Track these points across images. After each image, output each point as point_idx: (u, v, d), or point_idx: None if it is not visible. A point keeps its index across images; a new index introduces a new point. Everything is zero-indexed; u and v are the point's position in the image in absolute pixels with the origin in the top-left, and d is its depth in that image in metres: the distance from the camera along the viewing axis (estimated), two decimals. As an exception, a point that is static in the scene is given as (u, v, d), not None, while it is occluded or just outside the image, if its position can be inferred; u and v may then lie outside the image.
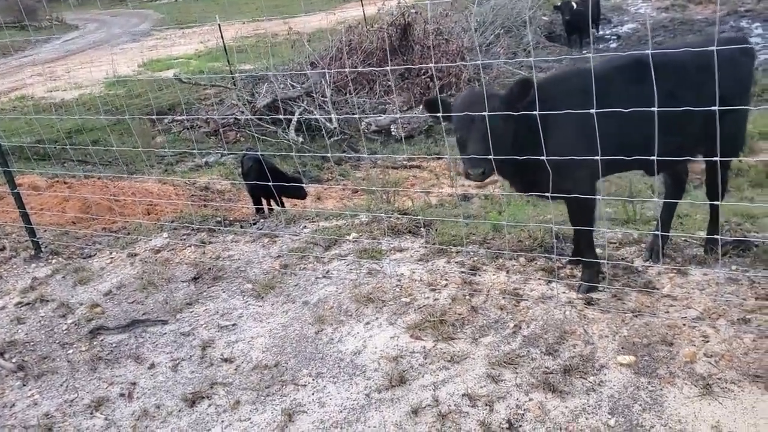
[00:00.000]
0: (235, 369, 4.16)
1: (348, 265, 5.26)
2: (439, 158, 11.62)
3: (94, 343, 4.68)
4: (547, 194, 4.07)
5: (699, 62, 3.79)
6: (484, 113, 3.87)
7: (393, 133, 13.63)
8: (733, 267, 4.51)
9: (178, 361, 4.33)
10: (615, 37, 18.27)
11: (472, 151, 3.97)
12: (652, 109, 3.43)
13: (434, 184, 11.40)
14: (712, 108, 3.36)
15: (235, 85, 16.10)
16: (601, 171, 3.98)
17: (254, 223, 6.50)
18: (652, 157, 3.61)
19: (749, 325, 3.86)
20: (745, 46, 4.23)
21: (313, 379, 3.96)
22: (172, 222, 6.72)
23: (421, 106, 4.38)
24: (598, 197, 4.47)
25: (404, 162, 12.23)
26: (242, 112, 14.24)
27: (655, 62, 3.53)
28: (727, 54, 3.85)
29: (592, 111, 3.61)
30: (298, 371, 4.06)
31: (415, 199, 8.61)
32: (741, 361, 3.57)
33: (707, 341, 3.79)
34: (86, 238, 6.67)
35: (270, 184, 6.23)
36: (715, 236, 4.69)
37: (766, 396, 3.31)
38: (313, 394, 3.84)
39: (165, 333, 4.67)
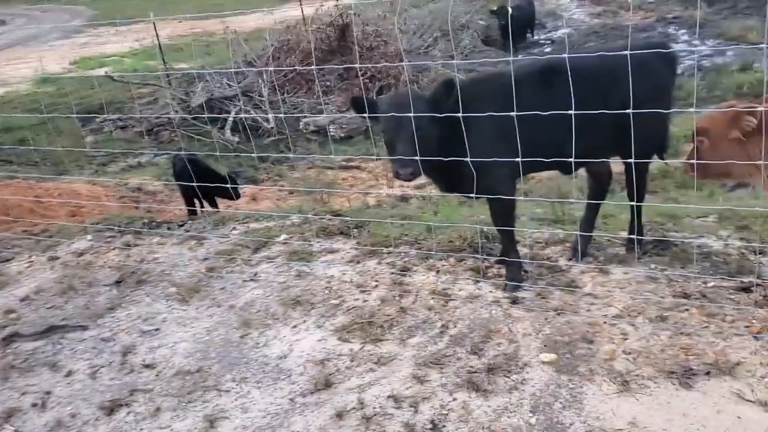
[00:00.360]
0: (157, 375, 4.05)
1: (277, 267, 5.20)
2: (377, 159, 11.62)
3: (8, 351, 4.49)
4: (469, 194, 4.12)
5: (616, 66, 3.87)
6: (414, 114, 3.90)
7: (331, 134, 13.58)
8: (653, 266, 4.64)
9: (96, 368, 4.19)
10: (549, 42, 18.67)
11: (401, 151, 3.98)
12: (570, 112, 3.50)
13: (373, 185, 11.42)
14: (626, 111, 3.46)
15: (169, 83, 15.78)
16: (520, 171, 4.05)
17: (181, 225, 6.35)
18: (568, 159, 3.69)
19: (666, 322, 3.97)
20: (665, 50, 4.35)
21: (237, 384, 3.89)
22: (97, 224, 6.51)
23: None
24: (519, 198, 4.54)
25: (342, 163, 12.21)
26: (176, 112, 13.95)
27: (570, 66, 3.61)
28: (645, 58, 3.96)
29: (513, 114, 3.67)
30: (222, 376, 3.98)
31: (353, 200, 8.60)
32: (657, 357, 3.67)
33: (626, 338, 3.88)
34: (4, 242, 6.40)
35: (202, 185, 6.12)
36: (638, 236, 4.83)
37: (680, 392, 3.40)
38: (236, 399, 3.77)
39: (84, 339, 4.51)
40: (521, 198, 4.51)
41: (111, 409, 3.79)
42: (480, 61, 15.73)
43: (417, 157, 3.94)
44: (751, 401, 3.25)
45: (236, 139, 13.17)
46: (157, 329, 4.53)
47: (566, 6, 22.45)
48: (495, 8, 17.87)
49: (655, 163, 7.97)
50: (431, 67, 15.11)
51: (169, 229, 6.30)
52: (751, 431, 3.08)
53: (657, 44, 4.47)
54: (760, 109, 3.62)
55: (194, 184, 6.27)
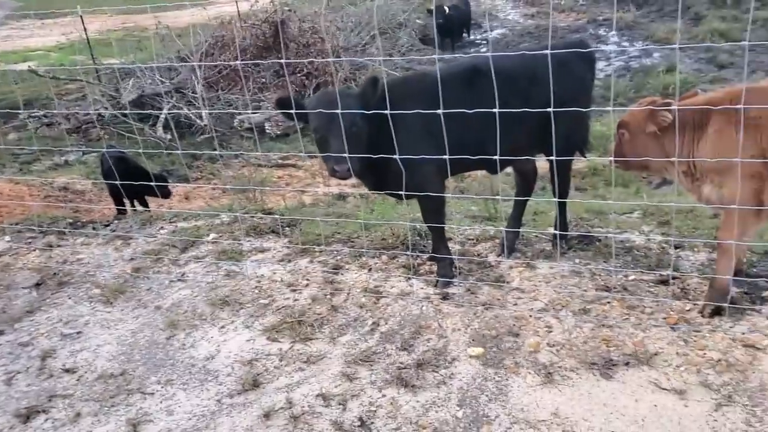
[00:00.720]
0: (78, 380, 3.92)
1: (205, 267, 5.11)
2: (313, 157, 11.55)
3: None
4: (398, 192, 4.14)
5: (537, 66, 3.95)
6: (350, 110, 3.89)
7: (267, 131, 13.44)
8: (577, 260, 4.76)
9: (13, 374, 4.02)
10: (485, 42, 18.94)
11: (335, 149, 3.96)
12: (494, 110, 3.55)
13: (309, 183, 11.35)
14: (547, 110, 3.53)
15: (99, 79, 15.31)
16: (448, 170, 4.08)
17: (107, 225, 6.18)
18: (492, 157, 3.75)
19: (589, 315, 4.08)
20: (583, 50, 4.46)
21: (162, 387, 3.81)
22: (17, 224, 6.26)
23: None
24: (448, 195, 4.59)
25: (278, 160, 12.09)
26: (106, 108, 13.55)
27: (493, 66, 3.68)
28: (565, 58, 4.05)
29: (438, 112, 3.70)
30: (147, 379, 3.88)
31: (289, 199, 8.52)
32: (580, 349, 3.77)
33: (551, 331, 3.97)
34: None
35: (131, 184, 5.95)
36: (563, 232, 4.96)
37: (601, 382, 3.50)
38: (161, 402, 3.68)
39: (0, 344, 4.34)
40: (449, 195, 4.54)
41: (27, 416, 3.65)
42: (417, 59, 15.85)
43: (352, 155, 3.94)
44: (667, 390, 3.37)
45: (168, 136, 12.87)
46: (79, 332, 4.39)
47: (501, 7, 22.82)
48: (432, 7, 18.01)
49: (586, 161, 8.22)
50: (368, 64, 15.13)
51: (94, 229, 6.12)
52: (666, 418, 3.19)
53: (576, 44, 4.57)
54: (674, 107, 3.75)
55: (122, 182, 6.10)
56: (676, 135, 3.67)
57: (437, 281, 4.62)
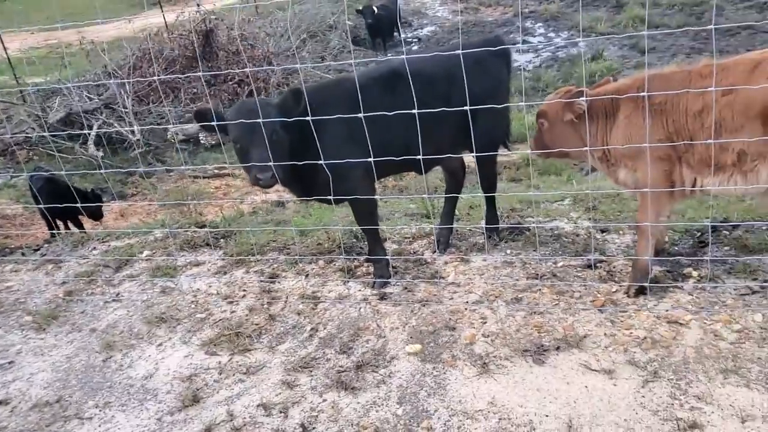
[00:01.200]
0: (11, 411, 3.83)
1: (140, 285, 5.05)
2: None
3: None
4: (327, 198, 4.17)
5: (455, 66, 4.03)
6: (269, 120, 3.89)
7: (202, 142, 13.28)
8: (509, 251, 4.88)
9: (-60, 412, 3.91)
10: (416, 40, 19.08)
11: (257, 158, 3.94)
12: (412, 111, 3.62)
13: (247, 192, 11.26)
14: (465, 108, 3.62)
15: (23, 100, 14.85)
16: (375, 173, 4.13)
17: (37, 249, 6.02)
18: (416, 158, 3.82)
19: (521, 303, 4.19)
20: (498, 47, 4.58)
21: (100, 410, 3.75)
22: (-60, 255, 6.06)
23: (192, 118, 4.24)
24: (387, 196, 4.63)
25: (215, 171, 11.96)
26: (33, 129, 13.15)
27: (410, 69, 3.74)
28: (481, 56, 4.14)
29: (359, 116, 3.75)
30: (84, 404, 3.82)
31: (226, 209, 8.44)
32: (513, 337, 3.87)
33: (485, 322, 4.06)
34: None
35: (62, 205, 5.81)
36: (493, 225, 5.07)
37: (534, 368, 3.60)
38: (99, 426, 3.63)
39: (-73, 382, 4.20)
40: (385, 196, 4.59)
41: (-42, 454, 3.56)
42: (349, 62, 15.84)
43: (275, 163, 3.94)
44: (596, 371, 3.49)
45: (101, 153, 12.57)
46: (11, 362, 4.28)
47: (430, 4, 23.03)
48: (360, 8, 18.04)
49: (519, 153, 8.39)
50: (301, 69, 15.07)
51: (23, 254, 5.96)
52: (596, 399, 3.31)
53: (491, 41, 4.67)
54: (582, 100, 3.90)
55: (51, 205, 5.96)
56: (586, 123, 3.81)
57: (374, 282, 4.67)
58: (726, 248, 4.43)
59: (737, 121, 3.56)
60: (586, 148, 3.86)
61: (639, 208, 4.03)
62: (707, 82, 3.51)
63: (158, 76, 13.52)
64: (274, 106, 4.06)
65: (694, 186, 3.85)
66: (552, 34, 17.12)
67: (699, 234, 4.67)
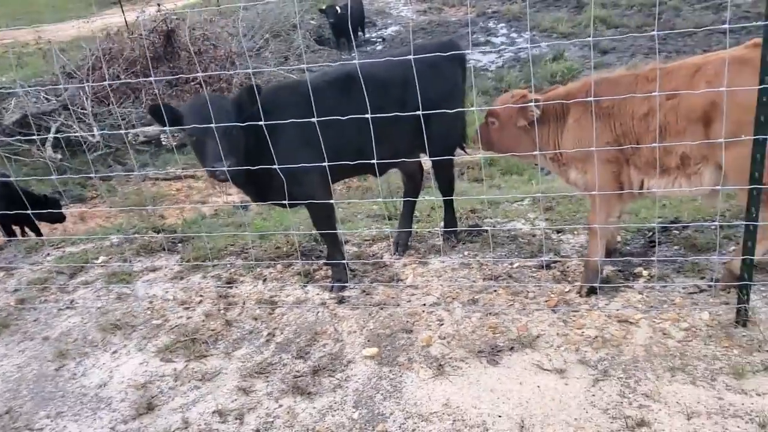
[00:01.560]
0: (-41, 424, 3.76)
1: (95, 291, 4.98)
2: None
3: None
4: (281, 202, 4.16)
5: (407, 69, 4.05)
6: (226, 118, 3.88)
7: (164, 143, 13.12)
8: (466, 253, 4.92)
9: None
10: (380, 39, 19.09)
11: (212, 149, 3.88)
12: (366, 115, 3.63)
13: (210, 194, 11.16)
14: (417, 113, 3.64)
15: (-23, 101, 14.51)
16: (330, 177, 4.13)
17: (-12, 258, 5.91)
18: (370, 162, 3.83)
19: (477, 304, 4.23)
20: (454, 52, 4.61)
21: (52, 421, 3.69)
22: None
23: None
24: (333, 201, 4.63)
25: (176, 172, 11.82)
26: (-13, 132, 12.86)
27: (366, 72, 3.75)
28: (434, 60, 4.17)
29: (313, 120, 3.75)
30: (35, 414, 3.76)
31: (188, 212, 8.37)
32: (469, 339, 3.91)
33: (442, 324, 4.09)
34: None
35: (16, 211, 5.66)
36: (451, 228, 5.11)
37: (488, 369, 3.64)
38: (51, 437, 3.58)
39: None
40: (334, 201, 4.57)
41: None
42: (318, 65, 15.82)
43: (230, 156, 3.89)
44: (548, 370, 3.54)
45: (59, 156, 12.36)
46: (-41, 373, 4.20)
47: (394, 4, 23.05)
48: (324, 7, 17.99)
49: (481, 155, 8.46)
50: (264, 69, 14.98)
51: (-26, 262, 5.84)
52: (548, 398, 3.36)
53: (445, 44, 4.70)
54: (534, 106, 3.97)
55: (11, 210, 5.81)
56: (535, 128, 3.87)
57: (332, 287, 4.67)
58: (676, 248, 4.53)
59: (680, 124, 3.66)
60: (535, 153, 3.91)
61: (590, 209, 4.11)
62: (653, 86, 3.58)
63: (118, 77, 13.32)
64: (229, 101, 4.03)
65: (641, 188, 3.94)
66: (514, 35, 17.28)
67: (650, 234, 4.77)
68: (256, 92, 3.99)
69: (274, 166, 3.98)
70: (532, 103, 3.99)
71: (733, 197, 4.83)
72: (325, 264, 5.01)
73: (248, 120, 3.95)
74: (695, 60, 3.73)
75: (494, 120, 4.27)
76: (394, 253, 5.09)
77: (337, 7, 17.44)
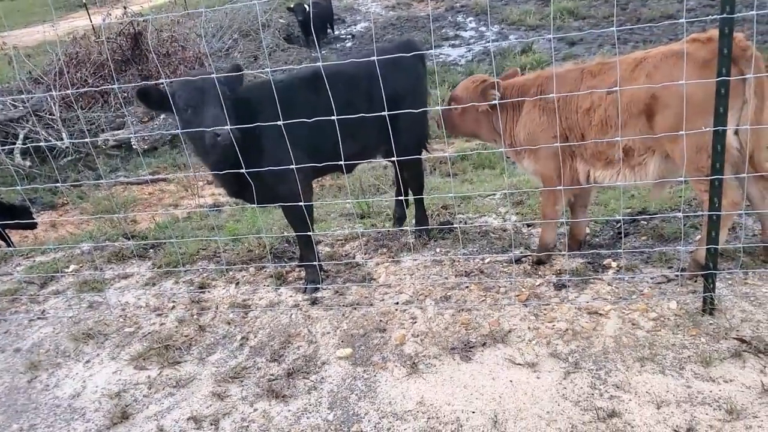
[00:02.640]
0: (-72, 441, 3.71)
1: (67, 301, 4.93)
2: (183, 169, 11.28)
3: None
4: (262, 200, 4.18)
5: (370, 70, 4.07)
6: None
7: (134, 147, 12.99)
8: (438, 249, 4.95)
9: None
10: (350, 36, 19.07)
11: (211, 113, 3.83)
12: (331, 117, 3.64)
13: (183, 197, 11.08)
14: (383, 113, 3.67)
15: (-58, 109, 14.24)
16: (306, 175, 4.14)
17: (-44, 269, 5.81)
18: (338, 162, 3.84)
19: (449, 301, 4.26)
20: (415, 53, 4.64)
21: (25, 434, 3.66)
22: None
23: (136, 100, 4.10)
24: (312, 202, 4.63)
25: (147, 177, 11.72)
26: (-47, 140, 12.63)
27: (330, 73, 3.76)
28: (395, 61, 4.20)
29: (280, 123, 3.75)
30: (8, 428, 3.71)
31: (160, 216, 8.30)
32: (442, 336, 3.93)
33: (415, 322, 4.11)
34: None
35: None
36: (422, 226, 5.14)
37: (461, 365, 3.67)
38: (23, 450, 3.55)
39: None
40: (316, 202, 4.58)
41: None
42: (299, 68, 15.79)
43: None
44: (521, 364, 3.58)
45: (28, 163, 12.19)
46: (-72, 390, 4.14)
47: (362, 0, 23.07)
48: (292, 5, 17.90)
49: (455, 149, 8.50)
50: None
51: (-59, 275, 5.74)
52: (521, 392, 3.39)
53: (405, 44, 4.77)
54: (496, 93, 4.07)
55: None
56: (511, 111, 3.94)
57: (305, 288, 4.67)
58: (643, 238, 4.60)
59: (622, 117, 3.79)
60: (494, 136, 4.13)
61: (541, 196, 4.40)
62: (596, 80, 3.81)
63: (86, 81, 13.15)
64: (219, 79, 3.96)
65: (588, 178, 4.14)
66: (483, 28, 17.35)
67: (618, 225, 4.84)
68: (242, 68, 4.00)
69: (251, 170, 3.97)
70: (495, 91, 4.18)
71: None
72: (299, 266, 5.01)
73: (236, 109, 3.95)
74: (636, 55, 3.88)
75: (456, 103, 4.37)
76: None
77: (305, 5, 17.38)
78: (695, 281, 3.99)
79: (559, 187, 4.10)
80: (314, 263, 4.70)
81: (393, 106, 4.02)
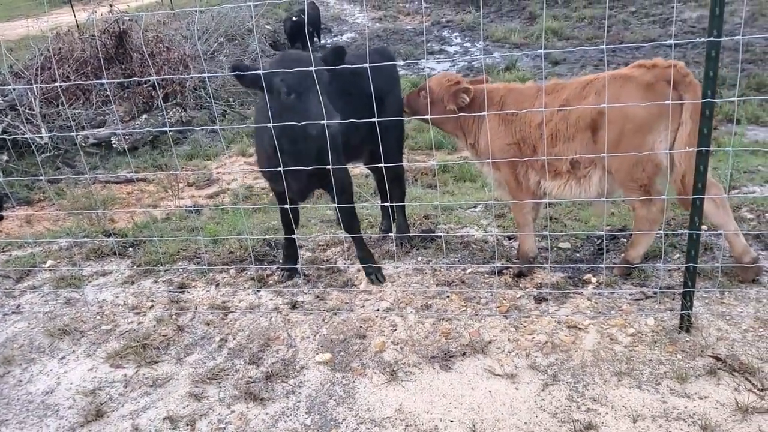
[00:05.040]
0: None
1: (43, 296, 4.86)
2: (169, 172, 11.20)
3: None
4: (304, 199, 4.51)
5: (359, 73, 4.13)
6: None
7: (114, 146, 12.86)
8: (420, 258, 4.97)
9: None
10: (337, 45, 19.12)
11: (314, 103, 3.68)
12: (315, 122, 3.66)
13: (162, 197, 10.99)
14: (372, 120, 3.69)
15: None
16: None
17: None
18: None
19: (430, 310, 4.28)
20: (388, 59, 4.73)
21: (-4, 429, 3.60)
22: None
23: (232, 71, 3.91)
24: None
25: (127, 176, 11.61)
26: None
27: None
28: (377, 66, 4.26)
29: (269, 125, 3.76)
30: (-22, 424, 3.65)
31: (139, 216, 8.22)
32: (422, 344, 3.94)
33: (395, 330, 4.12)
34: None
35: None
36: (403, 232, 5.16)
37: (441, 374, 3.68)
38: (-6, 446, 3.48)
39: None
40: (297, 208, 4.57)
41: None
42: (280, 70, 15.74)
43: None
44: (500, 375, 3.61)
45: (5, 157, 12.02)
46: None
47: (350, 11, 23.17)
48: (289, 14, 17.92)
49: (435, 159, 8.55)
50: (219, 75, 14.84)
51: None
52: (499, 403, 3.41)
53: (379, 50, 4.87)
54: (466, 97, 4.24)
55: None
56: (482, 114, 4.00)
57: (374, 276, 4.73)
58: (622, 255, 4.66)
59: (570, 131, 4.12)
60: (456, 132, 4.65)
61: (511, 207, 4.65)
62: (548, 98, 4.15)
63: (68, 77, 13.02)
64: (318, 60, 3.86)
65: (538, 188, 4.38)
66: (468, 44, 17.50)
67: (599, 241, 4.90)
68: (344, 53, 4.04)
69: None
70: (466, 96, 4.40)
71: (676, 207, 5.01)
72: (278, 269, 4.99)
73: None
74: (588, 77, 4.26)
75: (425, 94, 4.54)
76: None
77: (293, 17, 17.40)
78: (673, 298, 4.06)
79: (522, 201, 4.41)
80: (290, 267, 4.74)
81: (380, 107, 4.13)
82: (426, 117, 4.29)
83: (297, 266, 4.75)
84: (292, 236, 4.81)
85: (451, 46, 17.28)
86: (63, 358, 4.15)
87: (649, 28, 16.63)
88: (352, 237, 4.72)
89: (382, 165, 4.11)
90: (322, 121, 3.65)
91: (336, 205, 4.43)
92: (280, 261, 5.00)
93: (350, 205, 4.53)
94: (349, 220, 4.63)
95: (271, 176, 4.28)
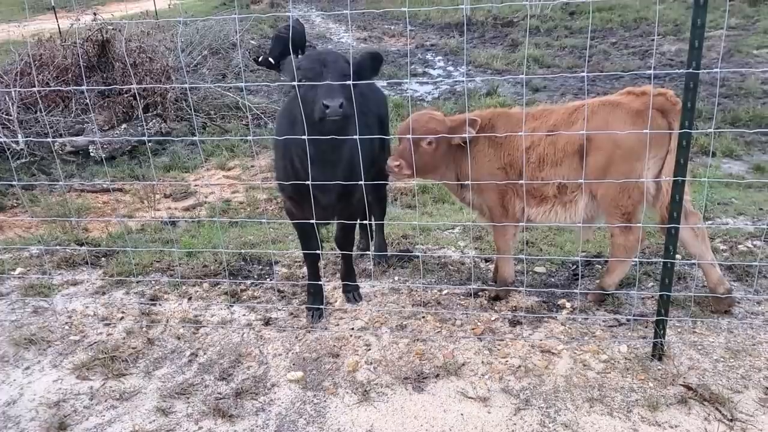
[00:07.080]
0: None
1: (10, 304, 4.76)
2: (148, 182, 11.09)
3: None
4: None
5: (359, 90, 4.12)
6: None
7: (92, 154, 12.73)
8: (396, 278, 4.95)
9: None
10: (320, 62, 19.12)
11: (326, 87, 3.52)
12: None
13: (138, 208, 10.87)
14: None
15: None
16: None
17: None
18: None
19: (405, 330, 4.26)
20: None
21: (-47, 440, 3.49)
22: None
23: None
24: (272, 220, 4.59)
25: (103, 185, 11.48)
26: None
27: None
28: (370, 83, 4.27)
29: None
30: (-65, 433, 3.54)
31: (113, 226, 8.12)
32: (395, 365, 3.91)
33: (369, 349, 4.09)
34: None
35: None
36: (382, 252, 5.15)
37: (413, 395, 3.65)
38: (-49, 457, 3.38)
39: None
40: (276, 222, 4.54)
41: None
42: (262, 84, 15.77)
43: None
44: (472, 398, 3.58)
45: (-22, 162, 11.83)
46: None
47: (335, 30, 23.28)
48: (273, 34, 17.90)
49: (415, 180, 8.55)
50: (201, 86, 14.79)
51: None
52: (471, 426, 3.39)
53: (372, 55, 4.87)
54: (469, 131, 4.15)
55: None
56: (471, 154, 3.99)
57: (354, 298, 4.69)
58: (597, 281, 4.68)
59: (557, 156, 4.11)
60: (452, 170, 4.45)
61: (493, 231, 4.56)
62: (536, 123, 4.15)
63: (48, 83, 12.88)
64: (350, 62, 3.75)
65: (523, 213, 4.31)
66: (451, 68, 17.63)
67: (574, 267, 4.92)
68: (381, 61, 3.92)
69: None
70: (472, 129, 4.20)
71: (652, 235, 5.05)
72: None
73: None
74: (576, 103, 4.26)
75: (430, 139, 4.21)
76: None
77: (278, 32, 17.42)
78: (646, 326, 4.08)
79: (507, 224, 4.35)
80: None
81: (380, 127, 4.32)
82: (438, 169, 4.36)
83: (323, 306, 4.58)
84: (318, 271, 4.63)
85: (435, 69, 17.38)
86: (28, 368, 4.06)
87: (628, 59, 16.88)
88: (342, 253, 4.65)
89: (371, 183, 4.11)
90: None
91: (341, 221, 4.44)
92: (306, 300, 4.67)
93: (354, 222, 4.52)
94: (349, 236, 4.60)
95: (295, 192, 4.06)
